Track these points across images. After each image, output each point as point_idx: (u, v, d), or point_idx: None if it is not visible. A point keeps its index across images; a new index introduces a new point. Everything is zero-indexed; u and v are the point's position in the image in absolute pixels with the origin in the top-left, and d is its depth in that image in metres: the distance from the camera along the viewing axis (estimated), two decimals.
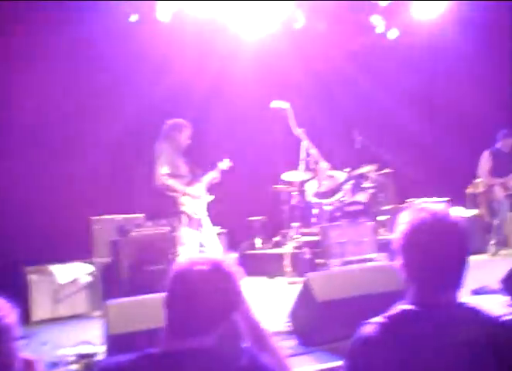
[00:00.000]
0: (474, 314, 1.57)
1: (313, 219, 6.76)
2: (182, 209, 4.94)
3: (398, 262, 1.62)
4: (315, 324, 3.11)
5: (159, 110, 6.47)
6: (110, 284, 5.46)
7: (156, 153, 5.02)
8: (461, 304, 1.58)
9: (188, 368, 1.49)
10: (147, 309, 2.50)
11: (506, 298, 3.78)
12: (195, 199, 5.04)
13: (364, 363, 1.56)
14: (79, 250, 5.82)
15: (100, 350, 3.12)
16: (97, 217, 6.06)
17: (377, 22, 8.38)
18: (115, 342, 2.53)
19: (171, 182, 4.91)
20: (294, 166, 6.66)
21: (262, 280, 6.73)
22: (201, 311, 1.52)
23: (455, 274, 1.57)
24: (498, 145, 6.75)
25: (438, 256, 1.54)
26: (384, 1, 8.09)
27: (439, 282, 1.56)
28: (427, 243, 1.54)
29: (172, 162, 5.00)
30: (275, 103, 5.00)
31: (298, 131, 5.02)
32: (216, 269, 1.56)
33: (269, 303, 5.05)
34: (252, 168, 7.76)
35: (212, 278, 1.54)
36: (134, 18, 6.85)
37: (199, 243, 5.00)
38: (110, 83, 6.73)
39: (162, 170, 4.89)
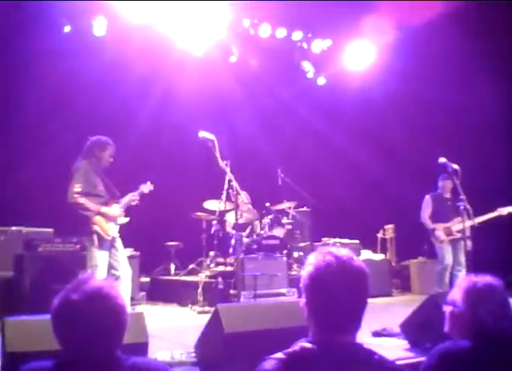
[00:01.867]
0: (370, 356, 1.65)
1: (230, 250, 6.81)
2: (94, 228, 4.79)
3: (302, 300, 1.70)
4: (221, 356, 3.10)
5: (88, 127, 6.36)
6: (10, 299, 5.18)
7: (73, 169, 4.87)
8: (358, 346, 1.66)
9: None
10: (47, 329, 2.40)
11: (404, 342, 3.97)
12: (109, 219, 4.91)
13: None
14: None
15: None
16: (3, 228, 5.77)
17: (308, 67, 8.80)
18: (11, 360, 2.41)
19: (83, 201, 4.76)
20: (216, 196, 6.72)
21: (173, 307, 6.64)
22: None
23: (354, 316, 1.66)
24: (439, 189, 6.81)
25: (339, 298, 1.62)
26: (316, 48, 8.57)
27: (338, 323, 1.63)
28: (329, 284, 1.62)
29: (88, 180, 4.86)
30: (203, 134, 5.05)
31: (222, 163, 5.07)
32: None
33: (176, 331, 5.00)
34: (174, 194, 7.74)
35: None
36: (67, 29, 6.79)
37: (108, 265, 4.86)
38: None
39: (75, 188, 4.74)
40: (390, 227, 8.62)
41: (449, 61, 7.95)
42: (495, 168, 7.96)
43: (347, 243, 8.05)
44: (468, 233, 6.21)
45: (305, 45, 8.58)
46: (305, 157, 9.02)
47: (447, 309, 2.16)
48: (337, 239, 8.02)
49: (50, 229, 5.92)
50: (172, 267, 7.75)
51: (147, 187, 5.32)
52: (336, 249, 1.70)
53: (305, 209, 8.10)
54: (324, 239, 8.16)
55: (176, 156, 7.90)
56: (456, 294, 2.11)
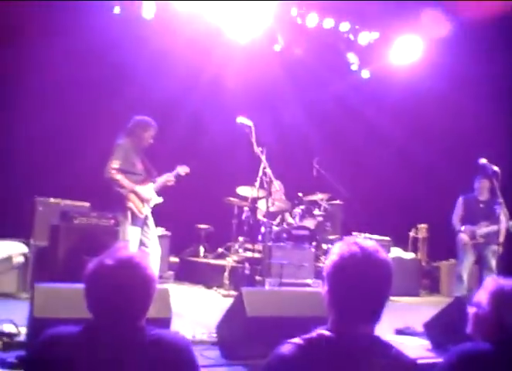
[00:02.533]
0: (387, 349, 1.66)
1: (259, 237, 6.84)
2: (129, 205, 4.92)
3: (324, 289, 1.71)
4: (241, 338, 3.14)
5: (128, 107, 6.46)
6: (44, 268, 5.34)
7: (114, 146, 4.99)
8: (376, 338, 1.67)
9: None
10: (75, 298, 2.48)
11: (427, 342, 3.93)
12: (143, 198, 5.03)
13: None
14: (18, 229, 5.69)
15: (22, 331, 3.07)
16: (42, 198, 5.93)
17: (353, 59, 8.68)
18: (38, 325, 2.50)
19: (119, 177, 4.88)
20: (250, 183, 6.74)
21: (198, 288, 6.74)
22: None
23: (374, 308, 1.67)
24: (475, 191, 6.64)
25: (361, 289, 1.62)
26: (363, 40, 8.44)
27: (358, 313, 1.64)
28: (352, 274, 1.63)
29: (126, 158, 4.98)
30: (240, 119, 5.08)
31: (258, 150, 5.09)
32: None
33: (200, 312, 5.09)
34: (209, 178, 7.81)
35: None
36: (117, 10, 6.89)
37: (139, 242, 4.99)
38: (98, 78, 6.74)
39: (113, 164, 4.87)
40: (423, 226, 8.48)
41: (501, 61, 7.71)
42: None
43: (378, 239, 7.97)
44: (501, 238, 6.10)
45: (351, 36, 8.45)
46: (345, 149, 8.94)
47: (471, 310, 2.13)
48: (367, 235, 7.95)
49: (87, 204, 6.06)
50: (201, 249, 7.85)
51: (183, 169, 5.41)
52: (363, 240, 1.70)
53: (338, 202, 8.05)
54: (354, 234, 8.10)
55: (217, 142, 7.94)
56: (482, 296, 2.08)
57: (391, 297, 7.10)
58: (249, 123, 4.99)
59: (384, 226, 8.05)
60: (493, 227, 6.16)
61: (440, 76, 8.12)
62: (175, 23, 7.11)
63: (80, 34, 6.37)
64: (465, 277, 6.39)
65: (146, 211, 5.09)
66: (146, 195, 5.07)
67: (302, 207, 7.48)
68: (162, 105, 7.00)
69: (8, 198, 6.14)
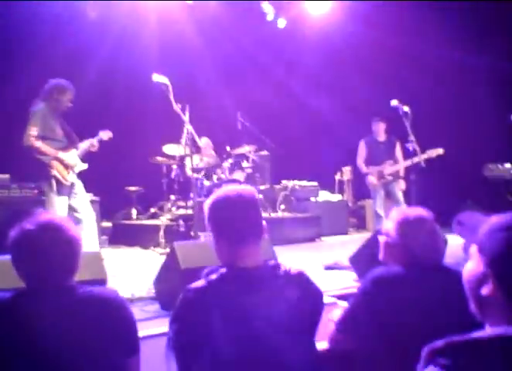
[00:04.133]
0: (286, 271, 1.89)
1: (191, 194, 6.90)
2: (53, 173, 4.78)
3: (209, 230, 1.94)
4: (177, 290, 3.26)
5: (40, 70, 6.19)
6: None
7: (30, 112, 4.77)
8: (274, 264, 1.93)
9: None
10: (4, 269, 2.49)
11: (353, 274, 4.23)
12: (67, 164, 4.89)
13: (188, 325, 1.77)
14: None
15: None
16: None
17: (268, 9, 8.65)
18: None
19: (39, 144, 4.70)
20: (175, 141, 6.73)
21: (135, 250, 6.78)
22: None
23: (253, 233, 1.92)
24: (372, 134, 7.02)
25: (237, 218, 1.89)
26: None
27: (241, 236, 1.88)
28: (226, 211, 1.90)
29: (45, 124, 4.78)
30: (156, 77, 4.95)
31: (177, 107, 5.03)
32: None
33: (138, 271, 5.15)
34: (133, 139, 7.71)
35: None
36: None
37: (69, 209, 4.91)
38: None
39: (32, 131, 4.67)
40: (347, 169, 8.86)
41: (409, 7, 7.97)
42: (445, 114, 8.21)
43: (306, 185, 8.28)
44: (402, 173, 6.70)
45: None
46: (264, 101, 9.03)
47: (381, 239, 2.34)
48: (296, 182, 8.23)
49: (6, 175, 5.85)
50: (134, 211, 7.84)
51: (106, 134, 5.28)
52: (232, 185, 2.01)
53: (264, 152, 8.22)
54: (283, 182, 8.36)
55: (134, 101, 7.80)
56: (390, 225, 2.29)
57: (322, 237, 7.53)
58: (165, 80, 4.89)
59: (310, 172, 8.35)
60: (397, 166, 6.75)
61: (353, 24, 8.30)
62: None
63: None
64: (381, 212, 6.84)
65: (72, 178, 4.97)
66: (70, 161, 4.91)
67: (231, 161, 7.58)
68: (68, 63, 6.76)
69: None
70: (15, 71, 6.57)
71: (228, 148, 7.76)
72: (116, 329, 1.78)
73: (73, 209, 4.93)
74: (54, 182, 4.78)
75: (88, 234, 4.89)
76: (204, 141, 7.53)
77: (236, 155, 7.77)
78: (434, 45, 7.97)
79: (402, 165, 6.77)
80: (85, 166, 5.12)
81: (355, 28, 8.29)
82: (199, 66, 8.44)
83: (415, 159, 5.58)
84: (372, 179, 6.87)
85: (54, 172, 4.79)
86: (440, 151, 6.34)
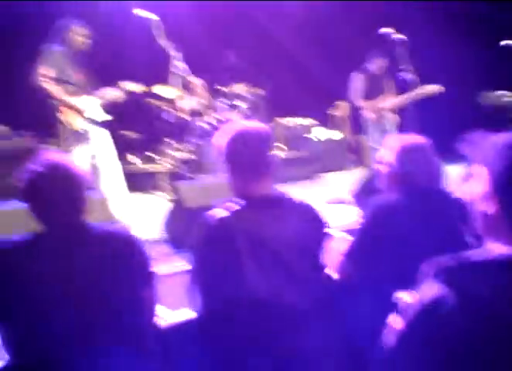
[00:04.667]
0: (289, 199, 2.03)
1: (188, 137, 6.86)
2: (60, 118, 4.48)
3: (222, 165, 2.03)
4: (185, 229, 3.33)
5: None
6: None
7: (42, 52, 4.43)
8: (283, 193, 2.05)
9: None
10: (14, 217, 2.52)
11: (356, 208, 4.30)
12: (78, 110, 4.53)
13: (216, 249, 1.86)
14: None
15: None
16: None
17: None
18: None
19: (48, 86, 4.37)
20: (164, 81, 6.55)
21: (136, 195, 6.78)
22: None
23: (266, 168, 2.02)
24: (369, 67, 6.69)
25: (250, 155, 1.98)
26: None
27: (254, 174, 1.99)
28: (239, 147, 1.98)
29: (57, 66, 4.43)
30: (140, 12, 4.66)
31: (167, 45, 4.78)
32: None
33: (146, 216, 5.09)
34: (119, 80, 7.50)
35: None
36: None
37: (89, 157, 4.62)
38: None
39: (42, 70, 4.34)
40: (344, 104, 8.75)
41: None
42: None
43: (301, 122, 8.25)
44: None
45: None
46: (257, 38, 8.80)
47: (381, 168, 2.37)
48: (291, 119, 8.19)
49: (5, 127, 5.78)
50: (130, 157, 7.79)
51: (133, 86, 4.98)
52: (240, 119, 2.01)
53: (258, 90, 8.11)
54: (278, 119, 8.31)
55: (114, 39, 7.47)
56: (388, 154, 2.31)
57: (321, 174, 7.58)
58: (152, 16, 4.66)
59: (304, 107, 8.28)
60: (394, 100, 6.53)
61: None
62: None
63: None
64: (377, 148, 6.78)
65: (83, 125, 4.60)
66: (80, 106, 4.53)
67: (223, 100, 7.47)
68: None
69: None
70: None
71: (219, 87, 7.62)
72: (129, 260, 1.83)
73: (91, 157, 4.66)
74: (62, 128, 4.53)
75: (110, 181, 4.66)
76: (198, 82, 7.41)
77: (229, 94, 7.65)
78: None
79: (399, 99, 6.50)
80: (107, 117, 4.79)
81: None
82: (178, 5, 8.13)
83: (412, 93, 5.42)
84: (368, 114, 6.73)
85: (61, 117, 4.51)
86: (437, 88, 6.09)
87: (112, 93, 4.79)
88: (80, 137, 4.58)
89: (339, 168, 7.90)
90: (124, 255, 1.83)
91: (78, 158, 4.45)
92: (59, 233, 1.79)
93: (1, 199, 4.27)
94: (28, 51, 4.64)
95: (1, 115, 5.71)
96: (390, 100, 6.65)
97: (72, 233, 1.80)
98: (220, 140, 2.01)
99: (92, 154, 4.64)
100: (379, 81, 6.73)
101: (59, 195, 1.77)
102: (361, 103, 6.73)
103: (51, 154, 1.86)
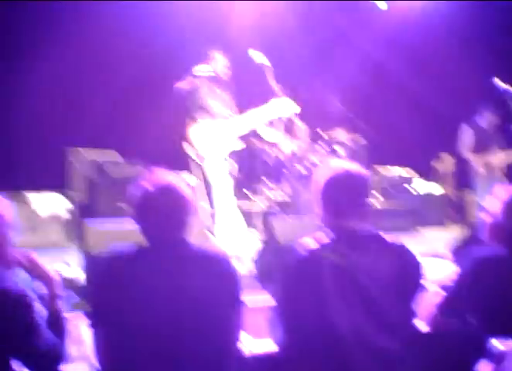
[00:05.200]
0: (385, 238, 2.02)
1: (284, 178, 6.95)
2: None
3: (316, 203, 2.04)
4: (275, 265, 3.36)
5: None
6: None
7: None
8: (371, 230, 2.03)
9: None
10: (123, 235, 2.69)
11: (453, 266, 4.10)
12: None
13: (300, 280, 1.92)
14: (51, 179, 5.84)
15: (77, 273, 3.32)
16: (73, 148, 6.05)
17: None
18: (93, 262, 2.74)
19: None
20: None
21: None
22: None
23: (361, 211, 2.02)
24: (480, 121, 6.58)
25: (346, 197, 2.00)
26: None
27: (343, 211, 1.99)
28: (337, 188, 2.01)
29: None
30: (253, 53, 4.88)
31: (276, 87, 4.93)
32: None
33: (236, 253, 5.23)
34: None
35: None
36: None
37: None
38: None
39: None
40: (448, 158, 8.49)
41: None
42: None
43: (402, 172, 8.08)
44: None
45: None
46: (361, 85, 8.88)
47: (486, 218, 2.26)
48: (393, 168, 8.05)
49: (114, 152, 6.15)
50: None
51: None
52: (343, 161, 2.18)
53: (359, 137, 8.09)
54: (376, 167, 8.20)
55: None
56: (495, 205, 2.21)
57: (418, 228, 7.32)
58: (264, 59, 4.86)
59: (405, 157, 8.12)
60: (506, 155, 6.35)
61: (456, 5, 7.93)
62: None
63: None
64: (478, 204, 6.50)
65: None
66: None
67: (323, 145, 7.52)
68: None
69: (34, 148, 6.26)
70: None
71: (319, 131, 7.69)
72: (223, 282, 1.90)
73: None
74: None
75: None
76: (300, 125, 7.55)
77: (329, 140, 7.69)
78: None
79: (509, 155, 6.35)
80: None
81: (459, 7, 7.92)
82: (293, 48, 8.42)
83: None
84: (476, 168, 6.49)
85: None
86: None
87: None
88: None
89: (438, 224, 7.59)
90: (219, 277, 1.90)
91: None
92: (161, 249, 1.90)
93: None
94: None
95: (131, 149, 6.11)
96: (500, 156, 6.38)
97: (173, 249, 1.91)
98: (318, 176, 2.03)
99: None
100: (489, 136, 6.49)
101: (166, 214, 1.89)
102: (470, 156, 6.51)
103: (162, 174, 1.97)
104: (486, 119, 6.56)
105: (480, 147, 6.47)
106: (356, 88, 8.77)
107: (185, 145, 4.55)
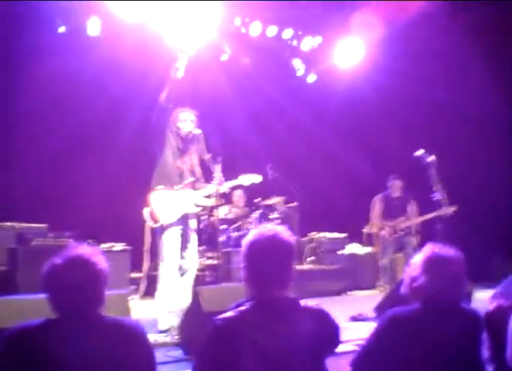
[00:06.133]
0: (307, 307, 2.04)
1: (219, 244, 6.93)
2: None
3: (241, 267, 2.04)
4: (200, 335, 3.26)
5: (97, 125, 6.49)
6: (6, 291, 5.32)
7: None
8: (295, 299, 2.03)
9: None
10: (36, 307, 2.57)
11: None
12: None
13: (218, 353, 1.83)
14: None
15: None
16: None
17: (299, 65, 8.92)
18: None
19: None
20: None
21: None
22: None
23: (282, 276, 2.00)
24: (388, 190, 7.26)
25: (268, 263, 1.97)
26: (306, 46, 8.71)
27: (270, 282, 1.98)
28: (261, 253, 2.00)
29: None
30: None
31: (208, 157, 5.08)
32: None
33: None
34: None
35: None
36: (62, 29, 6.92)
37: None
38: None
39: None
40: (373, 223, 8.75)
41: (439, 58, 8.14)
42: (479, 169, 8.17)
43: (334, 237, 8.24)
44: (415, 229, 6.99)
45: (295, 42, 8.69)
46: (294, 154, 9.18)
47: (407, 271, 2.32)
48: (325, 234, 8.20)
49: (43, 225, 6.04)
50: None
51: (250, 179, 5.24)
52: (271, 226, 2.07)
53: (294, 204, 8.25)
54: (311, 234, 8.34)
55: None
56: (417, 259, 2.28)
57: (349, 291, 7.42)
58: (196, 131, 5.02)
59: (338, 224, 8.33)
60: (411, 221, 7.02)
61: (382, 76, 8.48)
62: (121, 36, 7.19)
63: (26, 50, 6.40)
64: (388, 266, 7.06)
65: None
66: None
67: (259, 212, 7.63)
68: (108, 117, 7.05)
69: None
70: (53, 125, 6.88)
71: (258, 199, 7.83)
72: (135, 356, 1.88)
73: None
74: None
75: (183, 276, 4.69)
76: (237, 194, 7.65)
77: (264, 206, 7.82)
78: (462, 97, 8.04)
79: (415, 220, 6.99)
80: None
81: (383, 80, 8.48)
82: (229, 117, 8.66)
83: (435, 213, 5.69)
84: (385, 233, 7.03)
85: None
86: (452, 209, 6.07)
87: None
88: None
89: (368, 286, 7.74)
90: (130, 350, 1.87)
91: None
92: (71, 323, 1.85)
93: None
94: None
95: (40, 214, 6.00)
96: (408, 222, 6.85)
97: (83, 322, 1.86)
98: (246, 241, 2.05)
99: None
100: (399, 203, 7.09)
101: (75, 287, 1.85)
102: (378, 223, 6.94)
103: (78, 249, 1.94)
104: (393, 188, 7.21)
105: (389, 213, 7.13)
106: (292, 156, 9.06)
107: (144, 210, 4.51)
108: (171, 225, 4.50)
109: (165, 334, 3.83)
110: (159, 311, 4.22)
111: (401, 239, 7.04)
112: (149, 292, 6.88)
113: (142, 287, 6.43)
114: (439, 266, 2.22)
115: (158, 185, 4.53)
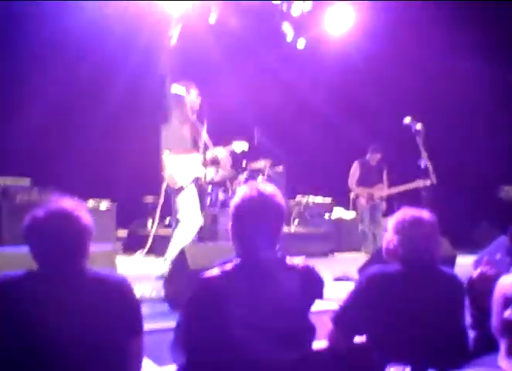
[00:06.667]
0: (295, 266, 2.03)
1: (205, 206, 7.00)
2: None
3: (229, 226, 2.03)
4: (185, 292, 3.35)
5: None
6: None
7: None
8: (281, 258, 2.03)
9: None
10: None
11: None
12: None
13: (203, 309, 1.89)
14: None
15: None
16: None
17: (288, 29, 8.81)
18: None
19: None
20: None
21: (149, 258, 6.88)
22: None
23: (271, 237, 2.01)
24: (367, 157, 7.27)
25: (256, 224, 1.98)
26: (296, 11, 8.58)
27: (255, 242, 1.98)
28: (249, 213, 1.99)
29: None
30: (176, 89, 5.03)
31: (194, 119, 5.07)
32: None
33: (150, 276, 5.21)
34: (150, 148, 7.86)
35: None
36: None
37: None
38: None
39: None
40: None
41: (429, 24, 8.10)
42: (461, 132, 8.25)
43: (320, 201, 8.35)
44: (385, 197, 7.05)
45: (284, 7, 8.56)
46: (283, 118, 9.18)
47: (384, 236, 2.40)
48: (311, 197, 8.30)
49: (27, 179, 6.00)
50: (150, 221, 7.94)
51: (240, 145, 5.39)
52: (263, 185, 2.05)
53: (280, 167, 8.31)
54: (298, 197, 8.43)
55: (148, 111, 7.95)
56: (390, 223, 2.36)
57: (334, 253, 7.59)
58: (183, 92, 4.99)
59: (324, 188, 8.42)
60: (386, 190, 7.09)
61: (372, 42, 8.44)
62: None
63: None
64: (368, 232, 7.08)
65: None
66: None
67: (246, 175, 7.67)
68: (93, 81, 6.98)
69: None
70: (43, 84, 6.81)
71: (244, 162, 7.86)
72: (121, 309, 1.86)
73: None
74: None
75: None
76: (223, 155, 7.65)
77: (251, 170, 7.86)
78: (452, 59, 8.06)
79: (395, 189, 7.06)
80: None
81: (372, 45, 8.45)
82: (219, 82, 8.60)
83: (408, 185, 5.85)
84: (362, 200, 7.07)
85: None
86: (428, 182, 6.24)
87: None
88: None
89: (354, 249, 7.89)
90: (115, 302, 1.86)
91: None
92: (54, 276, 1.83)
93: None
94: None
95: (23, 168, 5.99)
96: (383, 189, 6.94)
97: (66, 276, 1.84)
98: (233, 202, 2.05)
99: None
100: (375, 171, 7.17)
101: (56, 238, 1.83)
102: (356, 189, 7.00)
103: (61, 202, 1.90)
104: (371, 156, 7.22)
105: (366, 181, 7.17)
106: (280, 121, 9.05)
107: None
108: (188, 187, 4.93)
109: (151, 290, 3.90)
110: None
111: (378, 206, 7.10)
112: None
113: (147, 245, 6.61)
114: (410, 226, 2.28)
115: (169, 150, 4.84)
